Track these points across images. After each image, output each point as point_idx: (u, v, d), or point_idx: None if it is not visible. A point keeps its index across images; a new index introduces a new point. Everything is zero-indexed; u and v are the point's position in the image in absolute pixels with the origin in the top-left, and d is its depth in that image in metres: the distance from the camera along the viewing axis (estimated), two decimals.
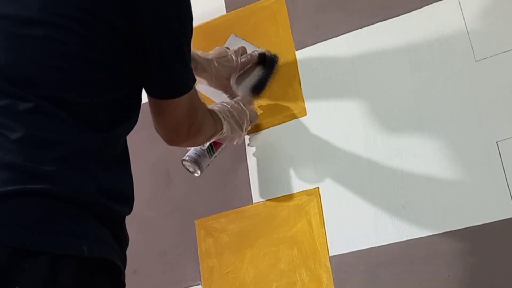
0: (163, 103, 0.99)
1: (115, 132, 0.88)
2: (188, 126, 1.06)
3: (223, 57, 1.34)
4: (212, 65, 1.32)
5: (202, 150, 1.30)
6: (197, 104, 1.07)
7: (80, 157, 0.81)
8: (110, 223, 0.83)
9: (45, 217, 0.75)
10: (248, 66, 1.38)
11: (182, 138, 1.09)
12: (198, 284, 1.34)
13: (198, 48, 1.48)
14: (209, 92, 1.42)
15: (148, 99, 1.00)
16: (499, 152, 1.14)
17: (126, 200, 0.89)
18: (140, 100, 0.97)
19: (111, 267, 0.80)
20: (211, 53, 1.35)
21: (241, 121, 1.27)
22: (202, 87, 1.41)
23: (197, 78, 1.33)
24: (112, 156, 0.88)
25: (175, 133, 1.07)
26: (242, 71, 1.38)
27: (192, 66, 1.28)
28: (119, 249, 0.84)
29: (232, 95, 1.38)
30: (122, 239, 0.87)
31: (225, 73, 1.34)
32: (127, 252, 0.89)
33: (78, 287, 0.74)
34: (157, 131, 1.07)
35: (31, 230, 0.73)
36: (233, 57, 1.35)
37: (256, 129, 1.38)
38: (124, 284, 0.84)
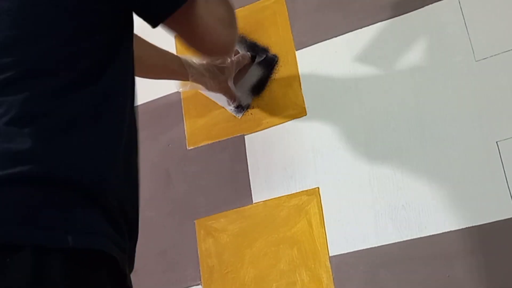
0: (179, 22, 0.92)
1: (103, 82, 0.81)
2: (220, 18, 0.98)
3: (217, 60, 1.34)
4: (210, 69, 1.32)
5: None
6: None
7: (67, 124, 0.75)
8: (103, 201, 0.76)
9: (27, 207, 0.70)
10: (243, 65, 1.39)
11: (231, 34, 1.02)
12: (198, 284, 1.34)
13: None
14: (211, 95, 1.43)
15: (171, 34, 0.94)
16: (499, 152, 1.14)
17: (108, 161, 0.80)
18: (127, 45, 0.89)
19: (106, 257, 0.74)
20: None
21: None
22: (204, 91, 1.42)
23: (196, 84, 1.33)
24: (104, 114, 0.81)
25: (220, 36, 1.00)
26: (237, 71, 1.38)
27: (189, 73, 1.27)
28: (116, 236, 0.77)
29: (232, 97, 1.38)
30: (120, 222, 0.81)
31: (222, 75, 1.34)
32: None
33: (67, 281, 0.69)
34: (210, 55, 1.03)
35: (12, 223, 0.68)
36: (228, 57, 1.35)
37: (256, 129, 1.38)
38: (124, 274, 0.78)
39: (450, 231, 1.14)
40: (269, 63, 1.40)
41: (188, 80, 1.32)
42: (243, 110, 1.40)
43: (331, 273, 1.22)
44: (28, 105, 0.75)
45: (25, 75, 0.77)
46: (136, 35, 1.16)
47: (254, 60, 1.41)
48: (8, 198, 0.70)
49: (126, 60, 0.89)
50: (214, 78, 1.33)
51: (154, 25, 0.91)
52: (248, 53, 1.40)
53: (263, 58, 1.40)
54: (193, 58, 1.33)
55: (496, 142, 1.15)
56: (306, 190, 1.29)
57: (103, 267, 0.74)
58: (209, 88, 1.35)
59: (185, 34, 0.98)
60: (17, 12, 0.80)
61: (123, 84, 0.87)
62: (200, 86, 1.34)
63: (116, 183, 0.81)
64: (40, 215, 0.70)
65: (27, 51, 0.78)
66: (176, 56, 1.34)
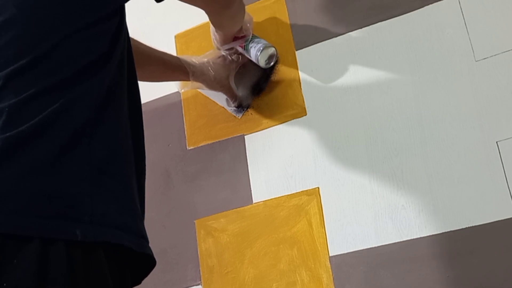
0: None
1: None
2: None
3: (217, 58, 1.35)
4: (210, 67, 1.33)
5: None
6: None
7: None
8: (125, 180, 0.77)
9: (37, 197, 0.69)
10: (243, 63, 1.39)
11: None
12: (198, 284, 1.34)
13: (199, 47, 1.48)
14: (211, 95, 1.43)
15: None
16: (499, 152, 1.14)
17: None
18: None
19: (121, 248, 0.74)
20: (205, 55, 1.37)
21: None
22: (204, 91, 1.42)
23: (197, 83, 1.33)
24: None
25: None
26: (237, 69, 1.38)
27: (190, 72, 1.28)
28: (132, 223, 0.77)
29: (233, 96, 1.38)
30: (134, 209, 0.80)
31: (223, 73, 1.34)
32: None
33: (77, 274, 0.69)
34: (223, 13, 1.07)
35: (20, 214, 0.68)
36: (228, 56, 1.36)
37: (256, 129, 1.38)
38: (142, 257, 0.78)
39: (450, 231, 1.14)
40: None
41: (189, 80, 1.32)
42: (243, 110, 1.40)
43: (331, 273, 1.22)
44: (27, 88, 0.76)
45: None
46: (136, 40, 1.17)
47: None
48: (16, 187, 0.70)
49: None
50: (215, 74, 1.33)
51: None
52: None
53: None
54: (193, 58, 1.33)
55: (496, 142, 1.15)
56: (306, 190, 1.29)
57: (116, 259, 0.74)
58: (210, 87, 1.35)
59: None
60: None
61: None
62: (201, 85, 1.34)
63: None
64: (50, 204, 0.70)
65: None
66: (176, 56, 1.34)
